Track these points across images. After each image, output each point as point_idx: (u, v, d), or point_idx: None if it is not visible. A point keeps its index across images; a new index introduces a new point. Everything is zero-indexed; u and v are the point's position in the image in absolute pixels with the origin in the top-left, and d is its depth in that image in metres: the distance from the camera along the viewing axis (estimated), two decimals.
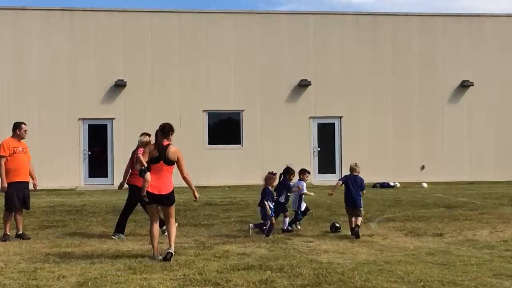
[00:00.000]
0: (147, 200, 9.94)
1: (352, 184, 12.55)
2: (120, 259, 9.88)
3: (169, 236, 10.02)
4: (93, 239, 12.08)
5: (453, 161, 29.40)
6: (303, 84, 28.61)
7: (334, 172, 28.66)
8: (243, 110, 28.49)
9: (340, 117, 28.90)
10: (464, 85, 29.56)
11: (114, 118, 27.67)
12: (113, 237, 12.22)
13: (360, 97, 29.13)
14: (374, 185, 25.57)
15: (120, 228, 12.43)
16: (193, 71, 28.33)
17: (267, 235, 12.16)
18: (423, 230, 13.06)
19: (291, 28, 29.09)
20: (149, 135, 12.09)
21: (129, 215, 12.63)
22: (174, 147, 10.07)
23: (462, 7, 74.29)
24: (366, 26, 29.55)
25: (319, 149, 28.86)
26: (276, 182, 13.02)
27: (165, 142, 10.00)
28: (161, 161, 9.95)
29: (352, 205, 12.48)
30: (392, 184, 26.30)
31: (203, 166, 27.48)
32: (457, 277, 8.52)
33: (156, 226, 10.12)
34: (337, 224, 13.02)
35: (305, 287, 8.08)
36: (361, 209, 12.47)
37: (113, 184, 26.81)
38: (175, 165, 10.08)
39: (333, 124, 29.01)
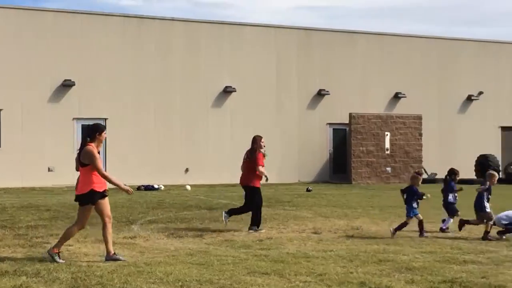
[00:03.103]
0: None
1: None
2: None
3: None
4: None
5: (216, 164, 30.28)
6: (67, 84, 27.93)
7: None
8: (2, 110, 27.15)
9: (106, 119, 28.56)
10: (227, 91, 30.62)
11: None
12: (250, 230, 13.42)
13: (125, 98, 29.04)
14: (139, 188, 25.56)
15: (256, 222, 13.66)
16: None
17: (394, 232, 12.78)
18: (184, 231, 13.30)
19: (56, 27, 28.25)
20: None
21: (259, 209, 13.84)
22: (89, 149, 9.85)
23: (225, 15, 76.94)
24: (132, 28, 29.53)
25: None
26: (420, 182, 13.37)
27: (87, 144, 9.94)
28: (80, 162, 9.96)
29: None
30: (156, 186, 26.46)
31: None
32: (214, 276, 8.77)
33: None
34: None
35: None
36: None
37: None
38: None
39: None
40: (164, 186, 26.97)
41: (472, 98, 35.45)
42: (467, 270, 9.28)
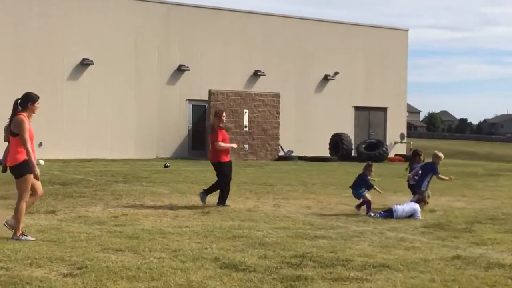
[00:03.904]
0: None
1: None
2: None
3: None
4: None
5: (72, 138, 29.52)
6: None
7: None
8: None
9: None
10: (84, 64, 29.84)
11: None
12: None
13: None
14: None
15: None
16: None
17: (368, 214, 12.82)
18: (36, 207, 12.82)
19: None
20: None
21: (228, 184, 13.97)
22: (19, 118, 9.51)
23: None
24: None
25: None
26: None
27: (18, 113, 9.59)
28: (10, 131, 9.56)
29: None
30: None
31: None
32: (66, 253, 8.54)
33: None
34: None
35: None
36: None
37: None
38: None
39: None
40: None
41: (328, 78, 36.54)
42: (318, 245, 9.58)
